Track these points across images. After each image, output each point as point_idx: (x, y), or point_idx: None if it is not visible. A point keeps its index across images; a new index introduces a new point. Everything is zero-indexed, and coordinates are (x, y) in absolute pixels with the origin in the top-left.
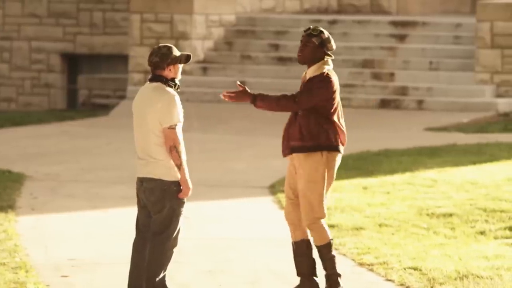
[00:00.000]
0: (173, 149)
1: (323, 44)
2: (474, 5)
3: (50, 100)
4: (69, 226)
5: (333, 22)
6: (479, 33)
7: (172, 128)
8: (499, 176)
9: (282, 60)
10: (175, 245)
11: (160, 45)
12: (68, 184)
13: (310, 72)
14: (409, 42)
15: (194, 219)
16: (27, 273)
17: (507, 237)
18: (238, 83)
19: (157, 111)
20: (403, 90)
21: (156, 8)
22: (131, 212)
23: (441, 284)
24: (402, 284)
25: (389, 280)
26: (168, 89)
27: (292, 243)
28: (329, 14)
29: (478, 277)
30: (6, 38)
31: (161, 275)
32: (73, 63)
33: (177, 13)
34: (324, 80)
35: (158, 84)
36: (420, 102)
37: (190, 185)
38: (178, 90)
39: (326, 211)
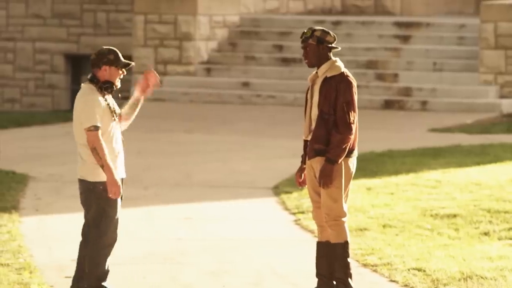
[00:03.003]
0: (93, 151)
1: (321, 41)
2: (478, 6)
3: (54, 101)
4: (73, 227)
5: (337, 23)
6: (483, 34)
7: (90, 130)
8: (503, 177)
9: (286, 61)
10: (112, 242)
11: (104, 47)
12: (72, 185)
13: (323, 71)
14: (413, 43)
15: (197, 220)
16: (31, 274)
17: (511, 238)
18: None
19: (77, 111)
20: (407, 91)
21: (160, 9)
22: (133, 213)
23: (445, 285)
24: (406, 285)
25: (393, 281)
26: (91, 91)
27: (317, 243)
28: (333, 15)
29: (482, 278)
30: (10, 39)
31: (99, 272)
32: (77, 64)
33: (181, 14)
34: (345, 81)
35: (87, 85)
36: (424, 103)
37: (119, 183)
38: (110, 93)
39: (346, 210)
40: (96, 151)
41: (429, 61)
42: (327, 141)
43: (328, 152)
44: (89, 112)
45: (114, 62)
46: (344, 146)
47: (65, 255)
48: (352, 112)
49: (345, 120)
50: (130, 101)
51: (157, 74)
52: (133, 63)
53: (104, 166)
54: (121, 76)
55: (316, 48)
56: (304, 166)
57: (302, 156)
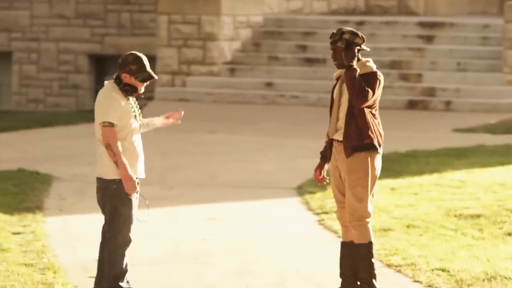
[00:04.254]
0: (108, 147)
1: (350, 43)
2: (501, 5)
3: (77, 101)
4: (97, 227)
5: (360, 23)
6: (506, 34)
7: (105, 126)
8: None
9: (309, 61)
10: (126, 242)
11: (134, 52)
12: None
13: None
14: (436, 43)
15: (221, 220)
16: (55, 274)
17: None
18: None
19: (96, 106)
20: (431, 91)
21: (183, 9)
22: (158, 213)
23: (469, 285)
24: (430, 286)
25: (417, 282)
26: (113, 88)
27: (341, 243)
28: (357, 15)
29: (506, 278)
30: (34, 39)
31: (116, 272)
32: (101, 64)
33: (205, 14)
34: (373, 75)
35: (110, 83)
36: (447, 103)
37: (134, 179)
38: (131, 96)
39: (371, 210)
40: (110, 147)
41: (453, 61)
42: (360, 136)
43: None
44: (106, 108)
45: (134, 73)
46: (353, 81)
47: (89, 255)
48: (371, 91)
49: (365, 92)
50: (149, 122)
51: (181, 112)
52: (155, 77)
53: (118, 162)
54: (144, 85)
55: (344, 50)
56: (324, 163)
57: (321, 153)
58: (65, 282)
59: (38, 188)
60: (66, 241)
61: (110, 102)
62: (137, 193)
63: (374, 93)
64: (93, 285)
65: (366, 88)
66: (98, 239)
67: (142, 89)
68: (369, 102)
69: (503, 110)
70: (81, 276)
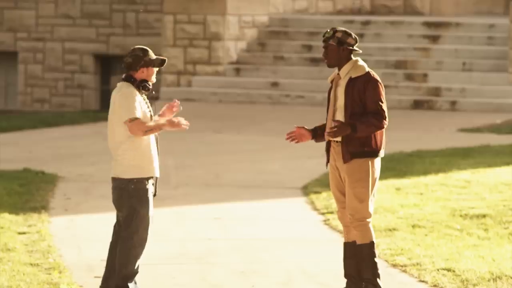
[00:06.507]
0: (146, 134)
1: (342, 42)
2: (507, 5)
3: (83, 101)
4: (102, 226)
5: (366, 23)
6: None
7: (132, 121)
8: None
9: (314, 61)
10: (142, 242)
11: (135, 46)
12: (101, 185)
13: (345, 72)
14: (442, 43)
15: (227, 220)
16: (60, 274)
17: None
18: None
19: (115, 107)
20: (436, 91)
21: (189, 9)
22: (163, 213)
23: (474, 285)
24: (435, 285)
25: (422, 281)
26: (126, 86)
27: (344, 244)
28: (362, 15)
29: (511, 278)
30: (40, 39)
31: (127, 272)
32: (106, 64)
33: (210, 14)
34: (372, 80)
35: (124, 83)
36: (453, 103)
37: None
38: (148, 91)
39: (372, 211)
40: (148, 132)
41: (458, 61)
42: (361, 143)
43: (359, 122)
44: (129, 105)
45: (150, 63)
46: (371, 131)
47: (95, 255)
48: (385, 109)
49: (381, 114)
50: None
51: (178, 103)
52: (166, 59)
53: (157, 126)
54: (155, 73)
55: (336, 49)
56: (311, 131)
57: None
58: (70, 282)
59: (44, 188)
60: (71, 241)
61: (132, 99)
62: (154, 195)
63: (384, 103)
64: (98, 285)
65: (377, 117)
66: (104, 238)
67: (154, 79)
68: (386, 110)
69: (508, 110)
70: (87, 276)
